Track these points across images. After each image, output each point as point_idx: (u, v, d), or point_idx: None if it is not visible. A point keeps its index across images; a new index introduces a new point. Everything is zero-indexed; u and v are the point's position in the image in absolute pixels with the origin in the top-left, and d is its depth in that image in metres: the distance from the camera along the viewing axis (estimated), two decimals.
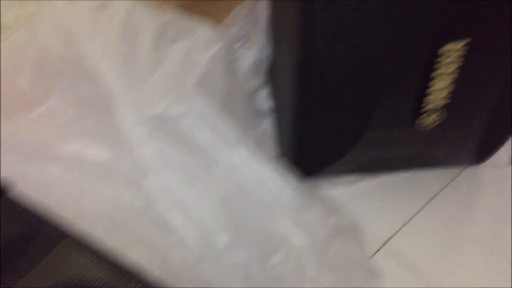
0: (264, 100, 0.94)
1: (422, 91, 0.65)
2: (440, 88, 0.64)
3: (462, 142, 0.73)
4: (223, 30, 0.84)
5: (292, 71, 0.65)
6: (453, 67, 0.61)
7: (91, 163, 0.58)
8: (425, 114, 0.67)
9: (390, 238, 0.76)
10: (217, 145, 0.56)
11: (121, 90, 0.56)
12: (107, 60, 0.57)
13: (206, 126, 0.56)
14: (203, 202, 0.55)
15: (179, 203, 0.56)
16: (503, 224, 0.78)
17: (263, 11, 0.85)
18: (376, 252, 0.74)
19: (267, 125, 0.92)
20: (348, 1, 0.56)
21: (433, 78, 0.63)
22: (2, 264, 0.43)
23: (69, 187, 0.57)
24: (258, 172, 0.57)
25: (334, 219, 0.67)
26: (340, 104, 0.66)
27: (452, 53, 0.60)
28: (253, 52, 0.87)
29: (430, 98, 0.65)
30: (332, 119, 0.68)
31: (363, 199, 0.81)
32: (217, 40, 0.62)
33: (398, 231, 0.77)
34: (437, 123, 0.68)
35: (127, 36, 0.58)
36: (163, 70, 0.58)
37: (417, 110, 0.67)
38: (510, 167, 0.84)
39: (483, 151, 0.77)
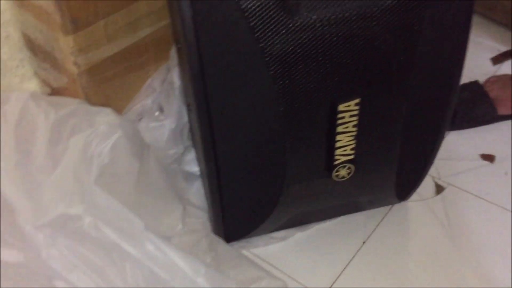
0: (191, 163, 0.94)
1: (331, 147, 0.66)
2: (344, 144, 0.65)
3: (380, 187, 0.75)
4: (130, 109, 0.84)
5: (199, 141, 0.65)
6: (351, 124, 0.63)
7: (4, 265, 0.55)
8: (338, 167, 0.69)
9: (331, 287, 0.76)
10: (125, 239, 0.55)
11: (19, 195, 0.55)
12: (3, 166, 0.55)
13: (111, 221, 0.55)
14: None
15: None
16: (436, 252, 0.80)
17: (177, 78, 0.86)
18: None
19: (198, 188, 0.91)
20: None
21: (337, 134, 0.64)
22: None
23: None
24: (171, 257, 0.56)
25: (265, 283, 0.67)
26: (250, 171, 0.67)
27: (348, 112, 0.62)
28: (171, 121, 0.87)
29: (338, 152, 0.67)
30: (246, 185, 0.68)
31: (298, 252, 0.81)
32: (120, 124, 0.61)
33: (336, 279, 0.77)
34: (351, 174, 0.70)
35: (22, 136, 0.57)
36: (62, 167, 0.57)
37: (331, 164, 0.68)
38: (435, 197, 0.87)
39: (403, 191, 0.79)
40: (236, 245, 0.82)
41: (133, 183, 0.62)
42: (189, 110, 0.78)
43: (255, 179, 0.67)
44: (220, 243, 0.71)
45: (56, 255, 0.53)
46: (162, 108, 0.88)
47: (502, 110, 0.92)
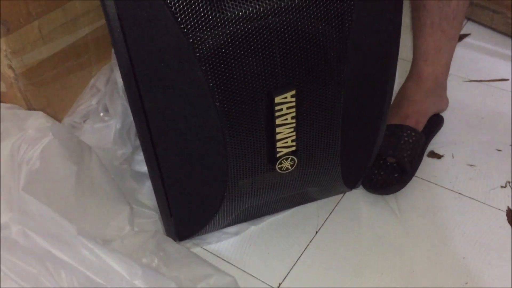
0: (142, 163, 0.92)
1: (272, 139, 0.66)
2: (284, 136, 0.65)
3: (326, 177, 0.75)
4: (74, 111, 0.82)
5: (140, 142, 0.64)
6: (289, 116, 0.63)
7: None
8: (281, 159, 0.68)
9: (284, 279, 0.76)
10: (58, 245, 0.53)
11: None
12: None
13: (41, 227, 0.54)
14: None
15: None
16: (388, 238, 0.81)
17: (119, 77, 0.84)
18: None
19: (149, 188, 0.90)
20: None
21: (276, 127, 0.64)
22: None
23: None
24: (106, 262, 0.55)
25: (214, 279, 0.66)
26: (193, 168, 0.66)
27: (284, 105, 0.61)
28: (117, 121, 0.86)
29: (280, 145, 0.66)
30: (190, 183, 0.68)
31: (252, 246, 0.81)
32: (51, 127, 0.59)
33: (290, 270, 0.77)
34: (295, 166, 0.70)
35: None
36: None
37: (273, 156, 0.68)
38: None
39: (350, 180, 0.80)
40: (189, 242, 0.81)
41: (71, 187, 0.60)
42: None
43: (198, 176, 0.66)
44: (169, 243, 0.71)
45: None
46: (107, 109, 0.86)
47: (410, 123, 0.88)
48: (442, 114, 0.97)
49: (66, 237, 0.53)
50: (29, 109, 0.79)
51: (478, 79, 1.08)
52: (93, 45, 0.86)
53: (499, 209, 0.83)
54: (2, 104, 0.67)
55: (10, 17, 0.73)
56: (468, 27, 1.23)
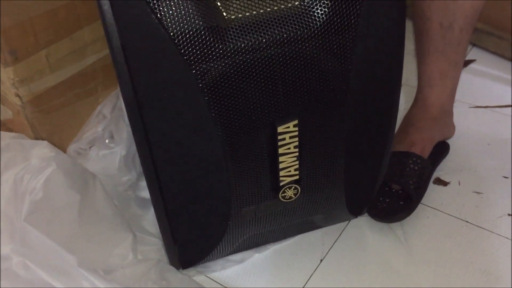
0: (147, 190, 0.92)
1: (275, 168, 0.66)
2: (287, 165, 0.65)
3: (331, 206, 0.75)
4: (80, 138, 0.83)
5: (143, 170, 0.64)
6: (292, 145, 0.63)
7: None
8: (284, 188, 0.68)
9: None
10: (58, 277, 0.53)
11: None
12: None
13: (42, 259, 0.54)
14: None
15: None
16: (394, 266, 0.80)
17: None
18: None
19: (154, 214, 0.90)
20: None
21: (279, 156, 0.64)
22: None
23: None
24: None
25: None
26: (196, 196, 0.66)
27: (286, 134, 0.62)
28: (122, 147, 0.86)
29: (283, 174, 0.66)
30: (193, 211, 0.67)
31: (256, 274, 0.80)
32: (54, 157, 0.60)
33: None
34: (298, 194, 0.69)
35: None
36: None
37: (276, 185, 0.68)
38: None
39: (355, 208, 0.79)
40: (193, 270, 0.80)
41: (74, 216, 0.61)
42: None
43: (201, 204, 0.66)
44: (172, 272, 0.70)
45: None
46: (112, 135, 0.87)
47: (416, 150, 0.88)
48: (448, 140, 0.97)
49: (67, 268, 0.53)
50: (35, 136, 0.80)
51: (484, 105, 1.08)
52: (100, 72, 0.87)
53: (506, 238, 0.81)
54: (7, 133, 0.68)
55: (19, 46, 0.74)
56: (473, 53, 1.23)
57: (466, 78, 1.13)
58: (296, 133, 0.61)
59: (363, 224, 0.86)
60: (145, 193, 0.91)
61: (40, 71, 0.78)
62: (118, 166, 0.84)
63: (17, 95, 0.76)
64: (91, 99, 0.88)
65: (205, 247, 0.73)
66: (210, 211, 0.68)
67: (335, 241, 0.84)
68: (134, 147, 0.87)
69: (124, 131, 0.85)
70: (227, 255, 0.80)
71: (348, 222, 0.86)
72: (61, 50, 0.80)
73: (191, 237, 0.71)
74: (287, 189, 0.67)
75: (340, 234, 0.84)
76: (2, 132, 0.68)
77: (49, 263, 0.53)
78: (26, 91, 0.77)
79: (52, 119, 0.82)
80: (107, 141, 0.85)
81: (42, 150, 0.61)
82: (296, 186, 0.67)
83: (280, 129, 0.60)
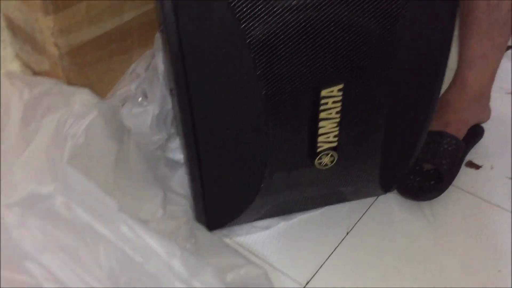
0: (175, 151, 0.93)
1: (314, 133, 0.65)
2: (327, 131, 0.64)
3: (363, 177, 0.74)
4: (113, 94, 0.82)
5: (181, 127, 0.64)
6: (334, 110, 0.62)
7: None
8: (321, 154, 0.68)
9: (312, 278, 0.75)
10: (98, 220, 0.53)
11: None
12: None
13: (84, 201, 0.54)
14: (90, 281, 0.52)
15: (65, 285, 0.52)
16: (420, 246, 0.79)
17: (161, 63, 0.85)
18: None
19: (181, 175, 0.90)
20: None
21: (320, 121, 0.63)
22: None
23: None
24: (144, 240, 0.55)
25: (245, 270, 0.65)
26: (232, 157, 0.65)
27: (331, 98, 0.61)
28: (155, 106, 0.86)
29: (321, 139, 0.65)
30: (228, 173, 0.67)
31: (281, 242, 0.80)
32: (96, 105, 0.60)
33: (319, 269, 0.76)
34: (334, 162, 0.69)
35: None
36: (34, 146, 0.56)
37: (313, 151, 0.67)
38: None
39: (386, 183, 0.78)
40: (219, 233, 0.80)
41: (111, 165, 0.61)
42: (172, 96, 0.77)
43: (236, 166, 0.66)
44: (201, 230, 0.70)
45: (27, 235, 0.52)
46: (145, 94, 0.86)
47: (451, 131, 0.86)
48: (483, 124, 0.95)
49: (107, 212, 0.53)
50: None
51: None
52: (137, 30, 0.87)
53: None
54: (47, 79, 0.68)
55: None
56: None
57: (505, 63, 1.10)
58: (340, 98, 0.60)
59: (391, 201, 0.85)
60: (174, 155, 0.91)
61: (79, 23, 0.77)
62: (150, 125, 0.84)
63: (56, 45, 0.76)
64: (126, 57, 0.88)
65: (234, 210, 0.73)
66: (244, 174, 0.68)
67: (362, 215, 0.83)
68: (166, 108, 0.87)
69: (158, 90, 0.85)
70: (254, 220, 0.80)
71: (376, 198, 0.85)
72: (101, 4, 0.79)
73: (222, 199, 0.71)
74: (324, 155, 0.67)
75: (368, 209, 0.84)
76: (43, 77, 0.68)
77: (90, 205, 0.53)
78: (64, 42, 0.77)
79: (88, 73, 0.82)
80: (140, 99, 0.85)
81: (84, 96, 0.61)
82: (334, 153, 0.66)
83: (324, 92, 0.59)
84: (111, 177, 0.60)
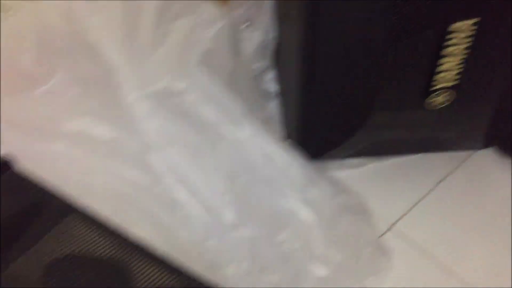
0: (270, 82, 0.93)
1: (432, 70, 0.63)
2: (449, 68, 0.62)
3: (471, 124, 0.72)
4: (228, 9, 0.83)
5: (296, 56, 0.64)
6: (462, 47, 0.60)
7: (96, 140, 0.57)
8: (435, 94, 0.66)
9: (399, 219, 0.75)
10: (222, 121, 0.55)
11: (123, 67, 0.55)
12: (110, 36, 0.56)
13: (210, 102, 0.55)
14: (208, 179, 0.54)
15: (185, 180, 0.55)
16: (509, 207, 0.77)
17: None
18: (385, 233, 0.73)
19: (273, 107, 0.91)
20: None
21: (442, 57, 0.61)
22: (3, 238, 0.43)
23: (74, 164, 0.56)
24: (264, 148, 0.56)
25: (342, 198, 0.66)
26: (345, 87, 0.65)
27: (461, 32, 0.59)
28: (259, 34, 0.86)
29: (440, 77, 0.64)
30: (337, 102, 0.67)
31: (371, 181, 0.80)
32: (221, 17, 0.61)
33: (407, 212, 0.76)
34: (447, 103, 0.67)
35: (129, 12, 0.57)
36: (166, 46, 0.57)
37: (427, 90, 0.66)
38: None
39: (491, 135, 0.76)
40: (311, 165, 0.81)
41: (228, 74, 0.62)
42: (282, 25, 0.76)
43: (348, 93, 0.65)
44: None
45: (155, 127, 0.54)
46: (252, 20, 0.86)
47: None
48: None
49: (232, 114, 0.54)
50: None
51: None
52: None
53: None
54: None
55: None
56: None
57: None
58: (473, 33, 0.57)
59: (489, 157, 0.83)
60: (268, 86, 0.92)
61: None
62: (253, 51, 0.84)
63: None
64: None
65: (334, 139, 0.73)
66: (354, 102, 0.67)
67: (458, 167, 0.81)
68: (269, 37, 0.87)
69: (264, 18, 0.84)
70: (347, 157, 0.80)
71: (473, 153, 0.83)
72: None
73: (325, 127, 0.71)
74: (439, 94, 0.65)
75: (464, 161, 0.82)
76: None
77: (217, 106, 0.55)
78: None
79: None
80: (246, 24, 0.85)
81: (210, 8, 0.62)
82: (451, 92, 0.64)
83: (455, 26, 0.57)
84: (228, 86, 0.61)
